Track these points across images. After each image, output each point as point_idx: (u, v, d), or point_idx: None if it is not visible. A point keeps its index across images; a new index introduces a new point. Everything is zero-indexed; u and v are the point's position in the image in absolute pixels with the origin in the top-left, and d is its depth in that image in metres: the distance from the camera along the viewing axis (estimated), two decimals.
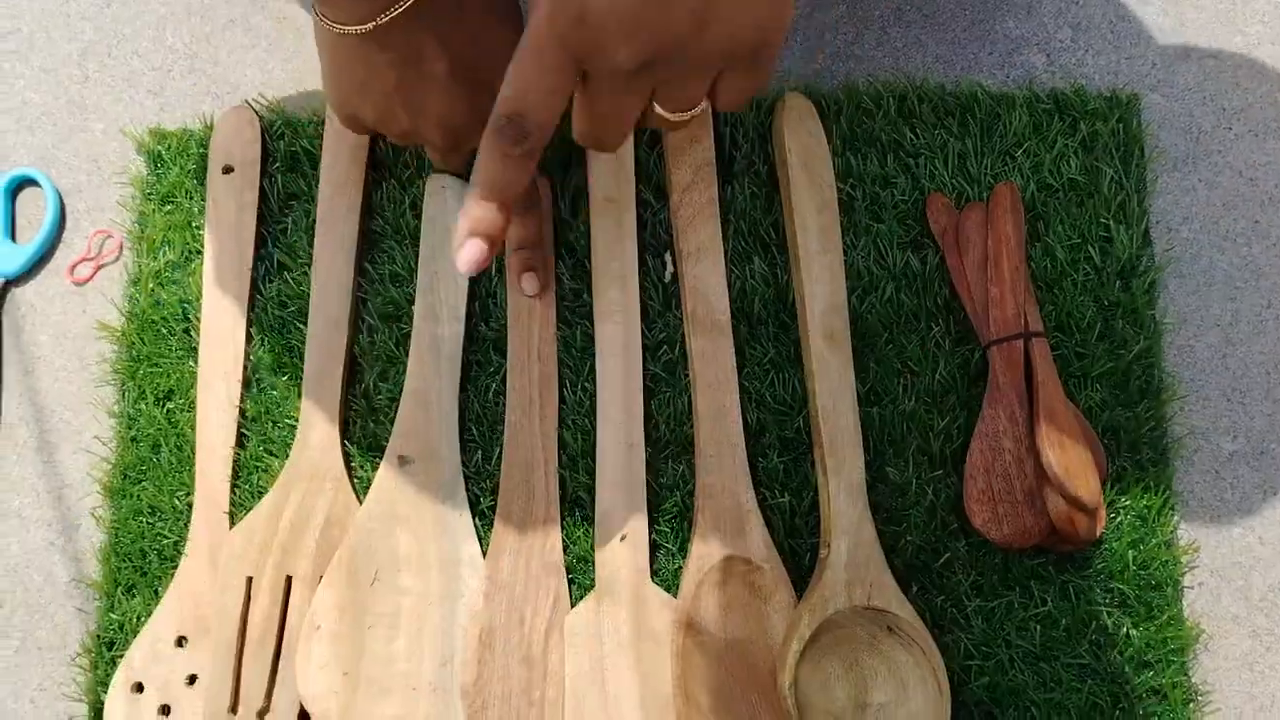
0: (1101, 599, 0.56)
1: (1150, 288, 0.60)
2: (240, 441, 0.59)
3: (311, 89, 0.66)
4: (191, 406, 0.60)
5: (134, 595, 0.58)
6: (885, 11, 0.66)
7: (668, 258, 0.61)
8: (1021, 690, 0.55)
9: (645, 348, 0.59)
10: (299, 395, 0.59)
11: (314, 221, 0.61)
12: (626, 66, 0.41)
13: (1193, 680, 0.56)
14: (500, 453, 0.58)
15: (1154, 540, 0.57)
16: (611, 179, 0.61)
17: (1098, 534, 0.55)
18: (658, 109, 0.45)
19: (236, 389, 0.59)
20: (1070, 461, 0.54)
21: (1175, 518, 0.58)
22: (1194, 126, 0.64)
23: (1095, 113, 0.62)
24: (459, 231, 0.44)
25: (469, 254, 0.44)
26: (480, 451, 0.58)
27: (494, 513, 0.57)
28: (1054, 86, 0.64)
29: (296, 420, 0.59)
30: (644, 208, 0.61)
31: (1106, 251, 0.60)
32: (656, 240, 0.61)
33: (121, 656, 0.56)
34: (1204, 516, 0.59)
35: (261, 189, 0.62)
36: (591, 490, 0.57)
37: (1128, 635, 0.55)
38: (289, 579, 0.56)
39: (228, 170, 0.62)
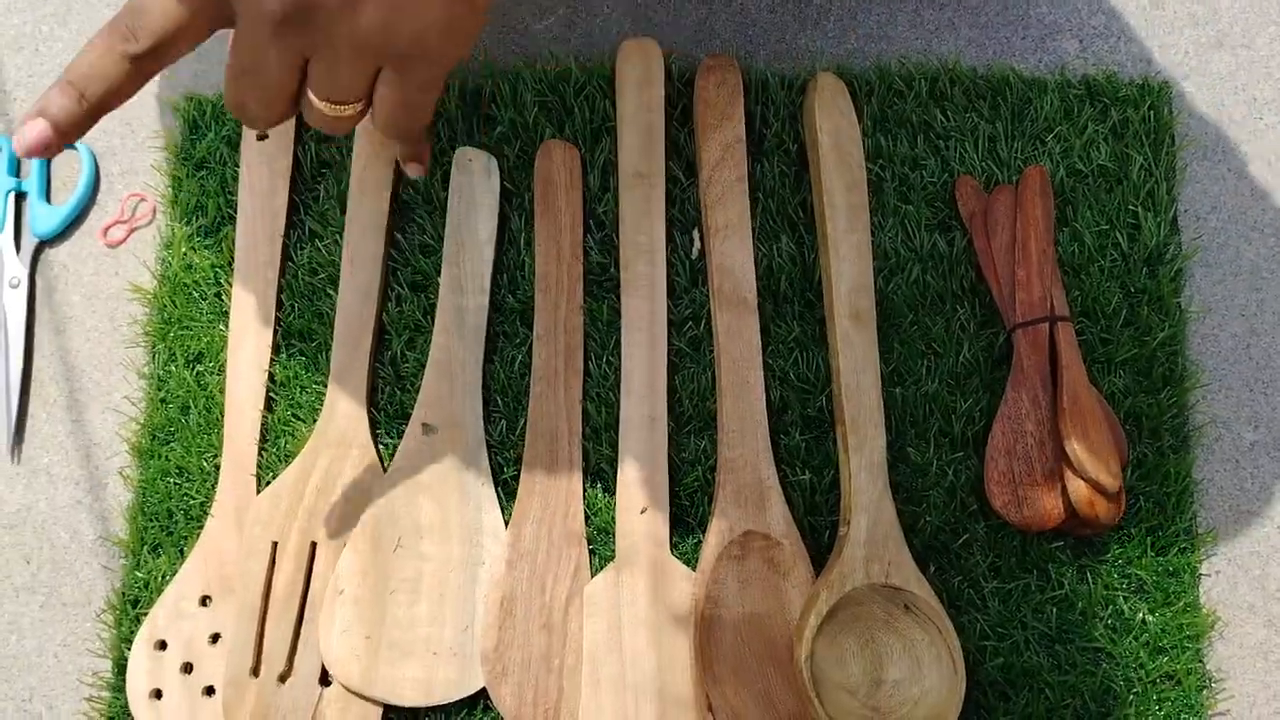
0: (1118, 584, 0.56)
1: (1176, 275, 0.60)
2: (268, 405, 0.60)
3: None
4: (221, 370, 0.60)
5: (159, 554, 0.59)
6: None
7: (695, 234, 0.61)
8: (1036, 672, 0.55)
9: (671, 323, 0.60)
10: (327, 362, 0.59)
11: (346, 190, 0.62)
12: (272, 9, 0.40)
13: (1207, 667, 0.56)
14: (524, 423, 0.58)
15: (1172, 527, 0.57)
16: (641, 154, 0.61)
17: (1117, 519, 0.55)
18: (311, 96, 0.44)
19: (266, 353, 0.60)
20: (1092, 446, 0.54)
21: (1194, 505, 0.58)
22: (1224, 116, 0.64)
23: (1126, 99, 0.62)
24: (30, 113, 0.43)
25: (30, 134, 0.43)
26: (504, 422, 0.59)
27: (517, 482, 0.57)
28: (1086, 72, 0.64)
29: (324, 386, 0.59)
30: (673, 183, 0.62)
31: (1134, 238, 0.60)
32: (685, 216, 0.62)
33: (145, 614, 0.57)
34: (1223, 505, 0.59)
35: (295, 156, 0.63)
36: (614, 462, 0.58)
37: (1143, 621, 0.56)
38: (314, 544, 0.57)
39: (262, 137, 0.62)
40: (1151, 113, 0.62)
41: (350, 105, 0.44)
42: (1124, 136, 0.62)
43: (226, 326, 0.61)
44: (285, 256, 0.62)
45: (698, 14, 0.66)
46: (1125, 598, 0.56)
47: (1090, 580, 0.56)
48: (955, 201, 0.61)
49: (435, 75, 0.44)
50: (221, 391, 0.60)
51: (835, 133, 0.60)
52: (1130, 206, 0.61)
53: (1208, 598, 0.58)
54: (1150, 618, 0.56)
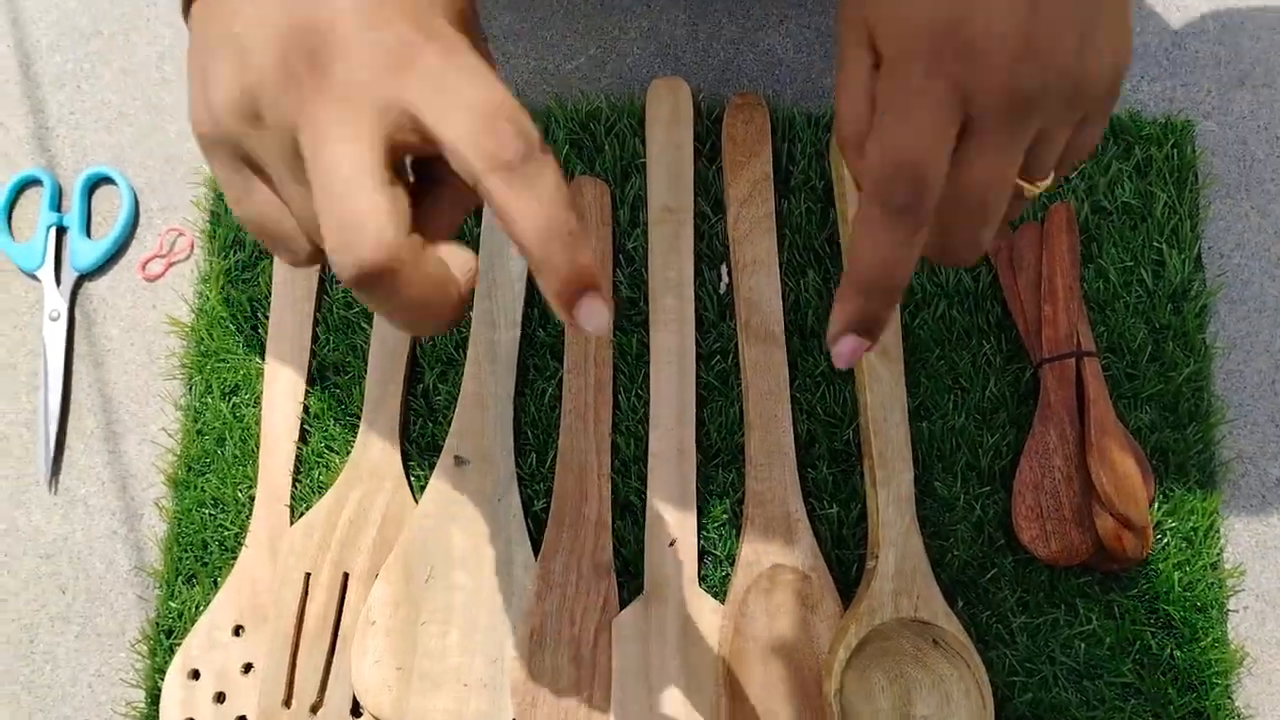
0: (1146, 619, 0.56)
1: (1201, 312, 0.61)
2: (302, 437, 0.61)
3: None
4: (257, 402, 0.61)
5: (194, 585, 0.59)
6: None
7: (724, 269, 0.62)
8: (1064, 708, 0.55)
9: (699, 356, 0.60)
10: (361, 394, 0.60)
11: None
12: (1024, 89, 0.33)
13: (1236, 704, 0.56)
14: (554, 456, 0.59)
15: (1200, 563, 0.57)
16: (670, 190, 0.62)
17: (1145, 554, 0.55)
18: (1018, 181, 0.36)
19: (301, 385, 0.61)
20: (1120, 481, 0.54)
21: (1221, 541, 0.58)
22: (1247, 154, 0.64)
23: (1150, 138, 0.63)
24: (837, 322, 0.35)
25: (847, 354, 0.36)
26: (535, 454, 0.60)
27: (547, 514, 0.58)
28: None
29: (358, 418, 0.60)
30: (701, 219, 0.63)
31: (1159, 275, 0.61)
32: (713, 251, 0.62)
33: (179, 645, 0.58)
34: (1250, 541, 0.59)
35: None
36: (643, 495, 0.58)
37: (1171, 656, 0.56)
38: (346, 575, 0.57)
39: None
40: (1175, 151, 0.63)
41: (1047, 181, 0.37)
42: (1148, 174, 0.62)
43: (262, 359, 0.62)
44: (321, 290, 0.63)
45: (725, 54, 0.67)
46: (1153, 633, 0.56)
47: (1118, 616, 0.56)
48: None
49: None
50: (257, 423, 0.61)
51: None
52: (1155, 243, 0.61)
53: (1236, 634, 0.58)
54: (1178, 653, 0.56)
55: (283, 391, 0.61)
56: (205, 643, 0.57)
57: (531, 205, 0.32)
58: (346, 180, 0.32)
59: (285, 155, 0.33)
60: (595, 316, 0.33)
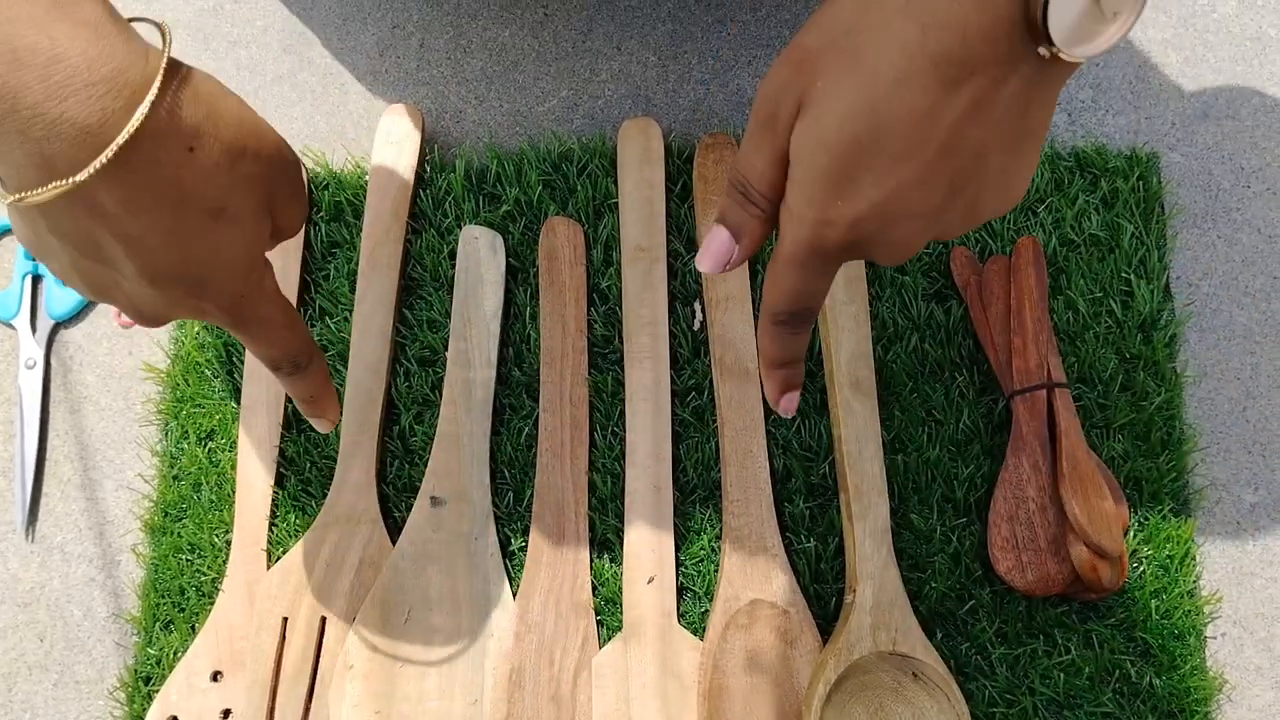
0: (1125, 648, 0.56)
1: (1171, 341, 0.61)
2: (279, 481, 0.61)
3: (355, 142, 0.68)
4: (232, 446, 0.61)
5: (171, 631, 0.59)
6: None
7: (697, 306, 0.62)
8: None
9: (674, 393, 0.61)
10: (337, 437, 0.60)
11: (355, 269, 0.63)
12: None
13: None
14: (531, 495, 0.59)
15: (1176, 590, 0.57)
16: (642, 229, 0.63)
17: (1120, 583, 0.55)
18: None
19: (277, 429, 0.61)
20: (1093, 511, 0.55)
21: (1197, 568, 0.58)
22: (1213, 184, 0.65)
23: (1116, 170, 0.64)
24: (770, 392, 0.46)
25: (790, 406, 0.46)
26: (512, 493, 0.60)
27: (525, 554, 0.58)
28: (1075, 145, 0.65)
29: (334, 461, 0.60)
30: (674, 258, 0.63)
31: (1128, 305, 0.61)
32: (686, 289, 0.63)
33: (158, 691, 0.57)
34: (1226, 567, 0.59)
35: (306, 237, 0.64)
36: (620, 532, 0.58)
37: (1151, 685, 0.56)
38: (323, 619, 0.57)
39: None
40: (1141, 183, 0.63)
41: None
42: (1114, 206, 0.63)
43: (238, 404, 0.62)
44: None
45: (695, 94, 0.68)
46: (1132, 662, 0.56)
47: (1097, 645, 0.56)
48: (951, 271, 0.62)
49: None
50: (233, 468, 0.61)
51: None
52: (1123, 274, 0.62)
53: (1214, 661, 0.58)
54: (1158, 681, 0.56)
55: (258, 436, 0.61)
56: (184, 689, 0.57)
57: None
58: None
59: None
60: None
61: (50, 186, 0.36)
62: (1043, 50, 0.34)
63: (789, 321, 0.43)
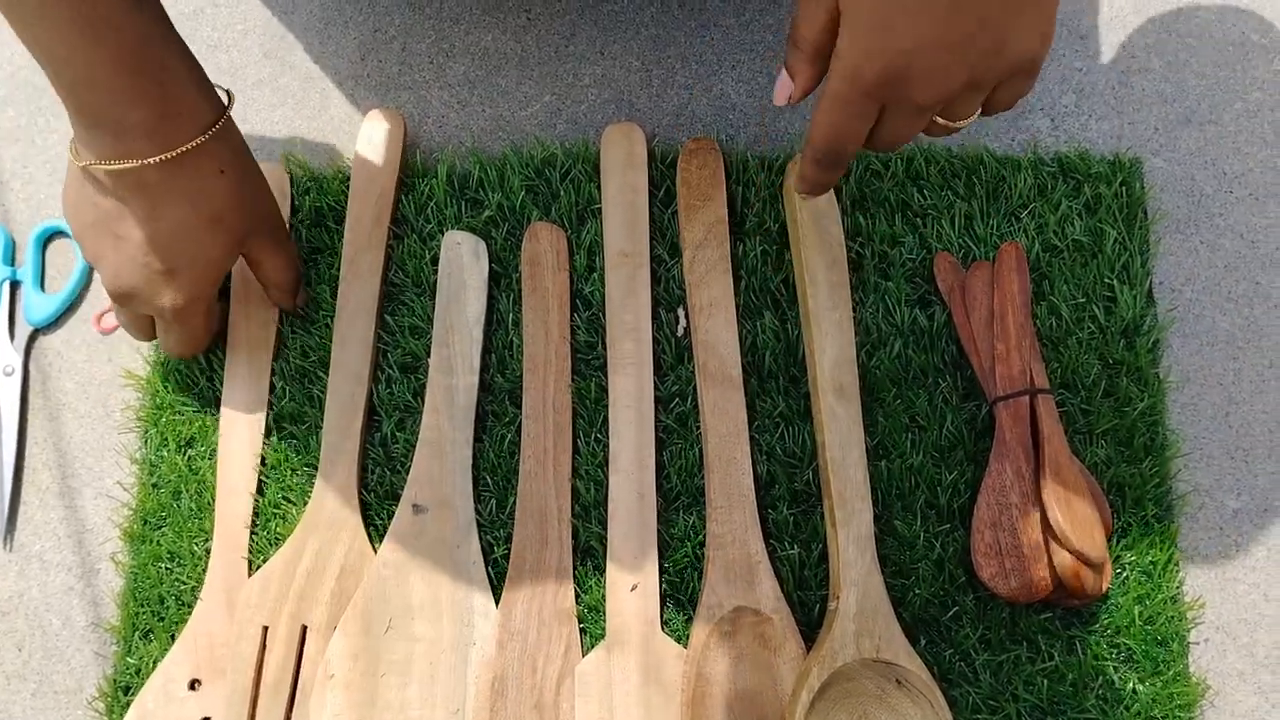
0: (1108, 654, 0.56)
1: (1154, 347, 0.61)
2: (259, 489, 0.60)
3: (336, 147, 0.68)
4: (212, 454, 0.61)
5: (151, 640, 0.59)
6: None
7: (680, 312, 0.62)
8: None
9: (657, 400, 0.60)
10: (318, 444, 0.60)
11: (337, 275, 0.63)
12: (926, 105, 0.45)
13: None
14: (514, 502, 0.59)
15: (1159, 596, 0.57)
16: (626, 235, 0.63)
17: (1103, 589, 0.55)
18: (939, 120, 0.48)
19: (259, 437, 0.61)
20: (1076, 517, 0.55)
21: (1180, 574, 0.58)
22: (1195, 190, 0.65)
23: (1098, 176, 0.64)
24: (798, 183, 0.52)
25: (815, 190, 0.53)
26: (494, 500, 0.59)
27: (507, 561, 0.58)
28: (1058, 150, 0.65)
29: (315, 469, 0.60)
30: (657, 263, 0.63)
31: (1110, 311, 0.61)
32: (669, 295, 0.63)
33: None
34: (1209, 573, 0.59)
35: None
36: (604, 540, 0.58)
37: (1134, 691, 0.56)
38: (304, 628, 0.57)
39: None
40: (1124, 188, 0.63)
41: (972, 118, 0.49)
42: (1097, 212, 0.63)
43: (218, 411, 0.61)
44: (278, 341, 0.63)
45: (679, 99, 0.68)
46: (1115, 668, 0.56)
47: (1080, 651, 0.56)
48: (934, 278, 0.62)
49: (1045, 56, 0.47)
50: (213, 475, 0.60)
51: (815, 212, 0.61)
52: (1106, 280, 0.62)
53: (1197, 666, 0.58)
54: (1141, 687, 0.56)
55: (239, 443, 0.60)
56: (161, 696, 0.56)
57: None
58: None
59: None
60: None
61: (125, 162, 0.53)
62: None
63: (823, 160, 0.49)
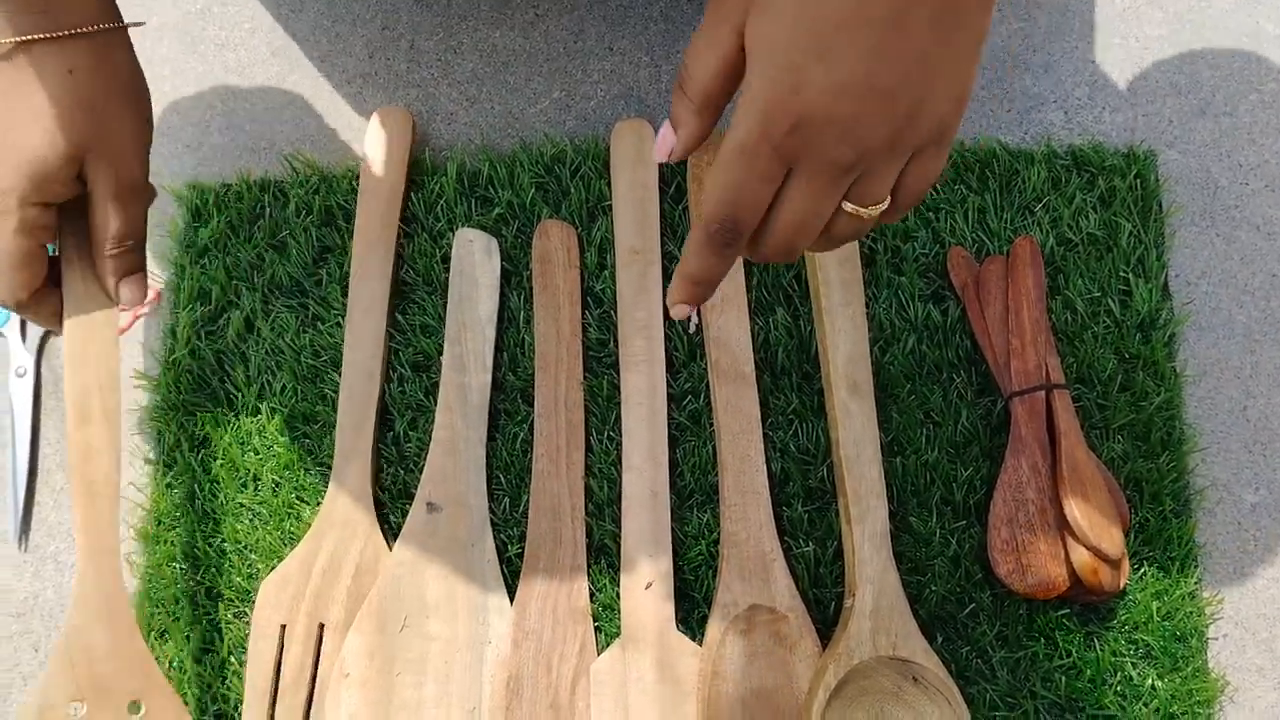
0: (1126, 650, 0.56)
1: (1170, 340, 0.61)
2: (274, 488, 0.60)
3: (345, 146, 0.68)
4: (225, 454, 0.61)
5: (166, 640, 0.59)
6: None
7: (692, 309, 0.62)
8: None
9: (670, 397, 0.60)
10: (332, 444, 0.60)
11: (347, 274, 0.63)
12: (841, 164, 0.40)
13: None
14: (527, 500, 0.59)
15: (1177, 591, 0.57)
16: (636, 231, 0.62)
17: (1121, 585, 0.55)
18: (846, 206, 0.42)
19: (117, 425, 0.55)
20: (1092, 513, 0.54)
21: (1198, 569, 0.58)
22: (1210, 182, 0.65)
23: (1113, 168, 0.63)
24: (671, 294, 0.45)
25: (682, 313, 0.46)
26: (508, 499, 0.59)
27: (521, 560, 0.58)
28: (1072, 143, 0.65)
29: (328, 468, 0.60)
30: (669, 260, 0.63)
31: (1126, 305, 0.61)
32: None
33: None
34: (1227, 568, 0.59)
35: (296, 242, 0.64)
36: (617, 538, 0.58)
37: (1153, 687, 0.56)
38: (321, 626, 0.57)
39: None
40: (1138, 181, 0.63)
41: (881, 204, 0.42)
42: (1112, 205, 0.63)
43: (230, 412, 0.61)
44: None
45: None
46: (1134, 664, 0.56)
47: (1098, 647, 0.56)
48: (948, 272, 0.61)
49: (957, 126, 0.42)
50: (227, 476, 0.60)
51: None
52: (1121, 273, 0.61)
53: (1216, 662, 0.57)
54: (1159, 683, 0.56)
55: (97, 431, 0.54)
56: None
57: None
58: None
59: None
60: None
61: None
62: None
63: (719, 233, 0.42)
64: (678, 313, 0.46)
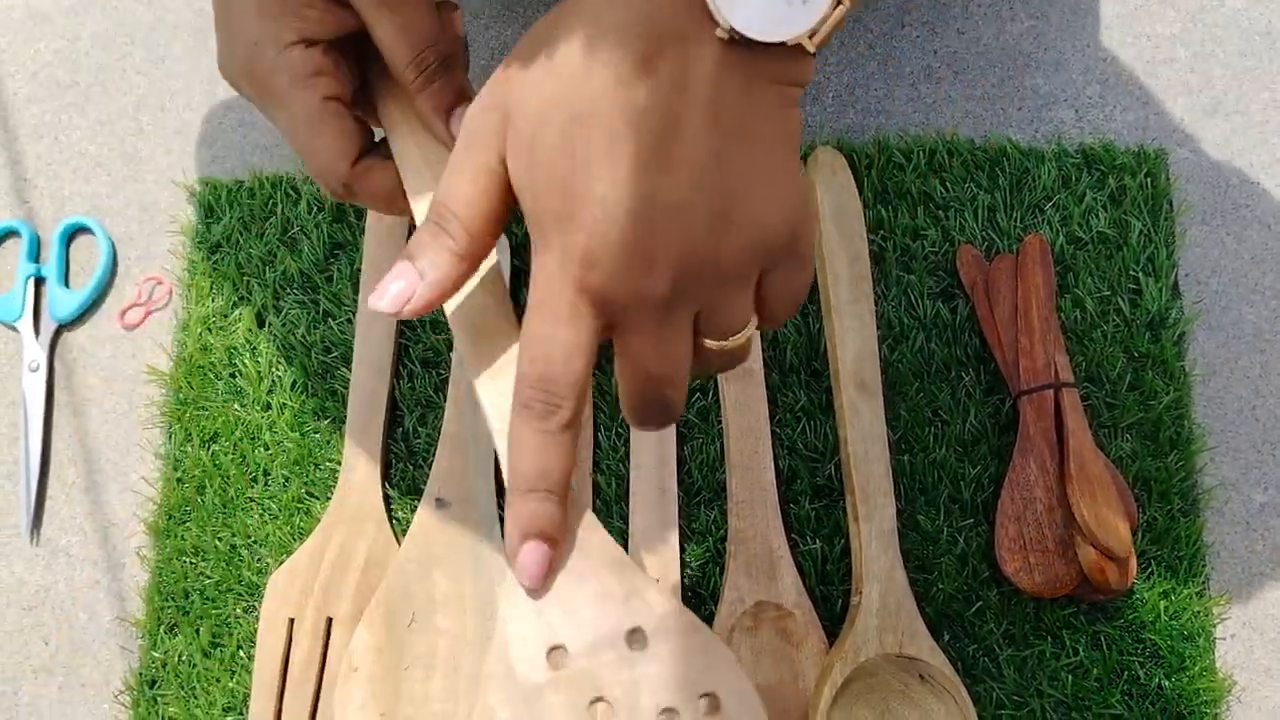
0: (1133, 649, 0.56)
1: (1180, 339, 0.61)
2: (284, 482, 0.60)
3: None
4: (236, 448, 0.61)
5: (176, 634, 0.59)
6: (916, 68, 0.67)
7: None
8: None
9: None
10: (341, 438, 0.60)
11: (359, 271, 0.63)
12: (657, 295, 0.34)
13: None
14: None
15: (1185, 591, 0.57)
16: None
17: (1129, 584, 0.55)
18: (705, 342, 0.37)
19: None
20: (1100, 511, 0.54)
21: (1206, 569, 0.58)
22: (1221, 181, 0.65)
23: (1123, 167, 0.63)
24: (509, 534, 0.36)
25: (532, 565, 0.36)
26: None
27: None
28: (1082, 142, 0.65)
29: (338, 463, 0.60)
30: None
31: (1136, 303, 0.61)
32: None
33: (162, 694, 0.57)
34: (1235, 568, 0.59)
35: (308, 238, 0.64)
36: (625, 535, 0.58)
37: (1160, 686, 0.55)
38: (329, 620, 0.57)
39: None
40: (1149, 179, 0.63)
41: (748, 328, 0.38)
42: (1122, 203, 0.63)
43: (241, 406, 0.62)
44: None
45: None
46: (1141, 663, 0.56)
47: (1105, 646, 0.56)
48: (957, 270, 0.61)
49: (811, 241, 0.37)
50: (237, 470, 0.61)
51: (836, 205, 0.61)
52: (1131, 272, 0.61)
53: (1223, 662, 0.57)
54: (1167, 683, 0.56)
55: None
56: None
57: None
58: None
59: None
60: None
61: None
62: (720, 32, 0.33)
63: (534, 399, 0.35)
64: (531, 568, 0.36)
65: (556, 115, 0.34)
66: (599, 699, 0.38)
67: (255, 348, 0.63)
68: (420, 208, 0.43)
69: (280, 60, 0.42)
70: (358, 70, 0.46)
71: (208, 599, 0.59)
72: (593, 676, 0.38)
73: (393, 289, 0.37)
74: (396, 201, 0.44)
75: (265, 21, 0.42)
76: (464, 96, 0.44)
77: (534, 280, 0.35)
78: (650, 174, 0.34)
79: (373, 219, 0.64)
